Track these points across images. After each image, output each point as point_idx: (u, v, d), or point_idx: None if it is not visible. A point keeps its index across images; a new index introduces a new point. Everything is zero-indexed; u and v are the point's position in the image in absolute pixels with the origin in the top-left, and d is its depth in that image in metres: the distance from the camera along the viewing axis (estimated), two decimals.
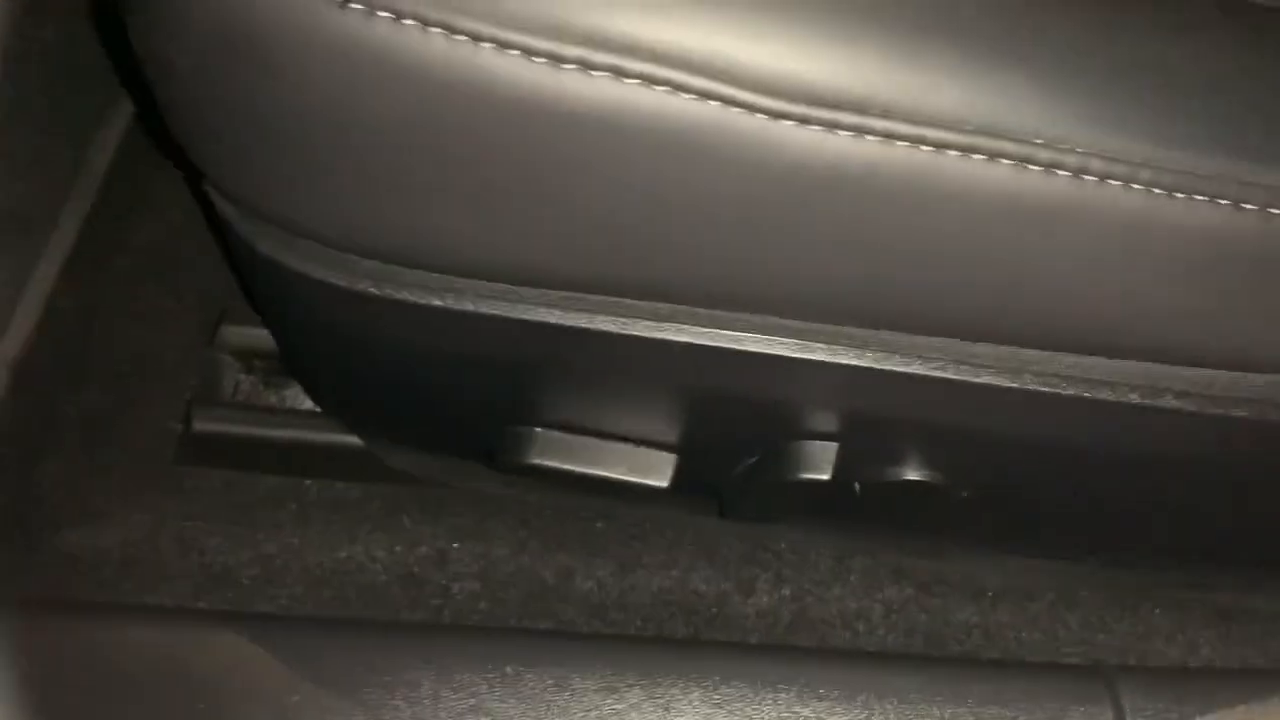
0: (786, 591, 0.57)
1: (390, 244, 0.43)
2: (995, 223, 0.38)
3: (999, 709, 0.47)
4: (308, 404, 0.66)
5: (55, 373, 0.69)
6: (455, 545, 0.59)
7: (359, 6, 0.35)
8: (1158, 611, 0.59)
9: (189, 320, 0.70)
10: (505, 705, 0.47)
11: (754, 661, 0.49)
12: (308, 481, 0.64)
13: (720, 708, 0.47)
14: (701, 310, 0.44)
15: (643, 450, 0.52)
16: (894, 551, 0.60)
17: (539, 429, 0.53)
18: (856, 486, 0.52)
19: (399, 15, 0.35)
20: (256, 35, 0.36)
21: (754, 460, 0.51)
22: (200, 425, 0.63)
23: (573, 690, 0.48)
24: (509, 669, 0.48)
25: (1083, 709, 0.46)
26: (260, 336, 0.66)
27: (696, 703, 0.47)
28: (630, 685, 0.48)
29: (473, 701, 0.47)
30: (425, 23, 0.35)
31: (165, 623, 0.52)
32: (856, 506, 0.53)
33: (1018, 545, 0.58)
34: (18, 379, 0.68)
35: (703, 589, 0.57)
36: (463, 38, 0.35)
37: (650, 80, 0.35)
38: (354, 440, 0.62)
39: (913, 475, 0.50)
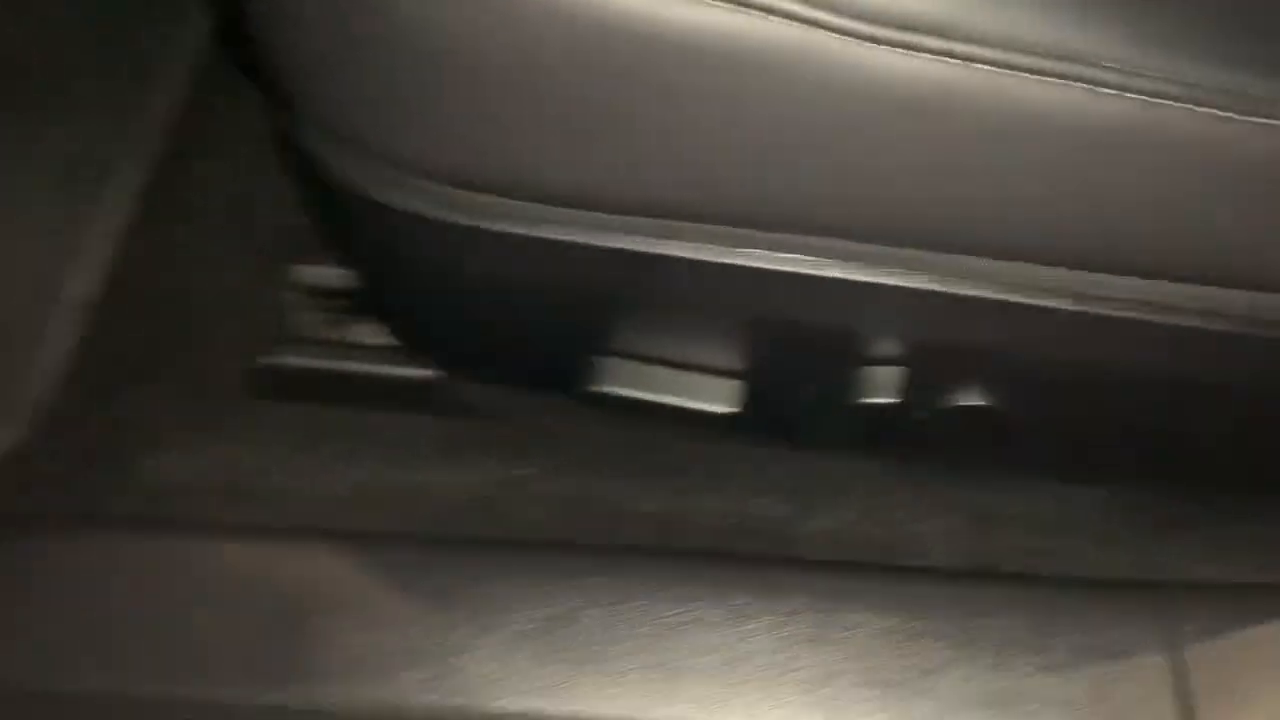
0: (847, 514, 0.59)
1: (486, 174, 0.45)
2: (1068, 144, 0.39)
3: (1053, 623, 0.49)
4: (380, 341, 0.68)
5: (131, 311, 0.71)
6: (530, 473, 0.61)
7: None
8: (1200, 543, 0.60)
9: (261, 259, 0.72)
10: (584, 617, 0.50)
11: (817, 576, 0.51)
12: (380, 414, 0.66)
13: (788, 619, 0.50)
14: (775, 235, 0.45)
15: (710, 377, 0.55)
16: (953, 478, 0.62)
17: (610, 357, 0.55)
18: (918, 413, 0.54)
19: None
20: None
21: (820, 386, 0.53)
22: (273, 359, 0.65)
23: (647, 603, 0.50)
24: (587, 580, 0.51)
25: (1134, 625, 0.48)
26: (331, 275, 0.68)
27: (765, 614, 0.50)
28: (700, 598, 0.50)
29: (550, 611, 0.50)
30: None
31: (250, 539, 0.54)
32: (918, 434, 0.55)
33: (1070, 472, 0.60)
34: (94, 317, 0.70)
35: (764, 512, 0.59)
36: None
37: (743, 4, 0.37)
38: (426, 374, 0.65)
39: (972, 400, 0.52)
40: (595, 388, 0.55)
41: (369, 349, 0.67)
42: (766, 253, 0.46)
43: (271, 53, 0.46)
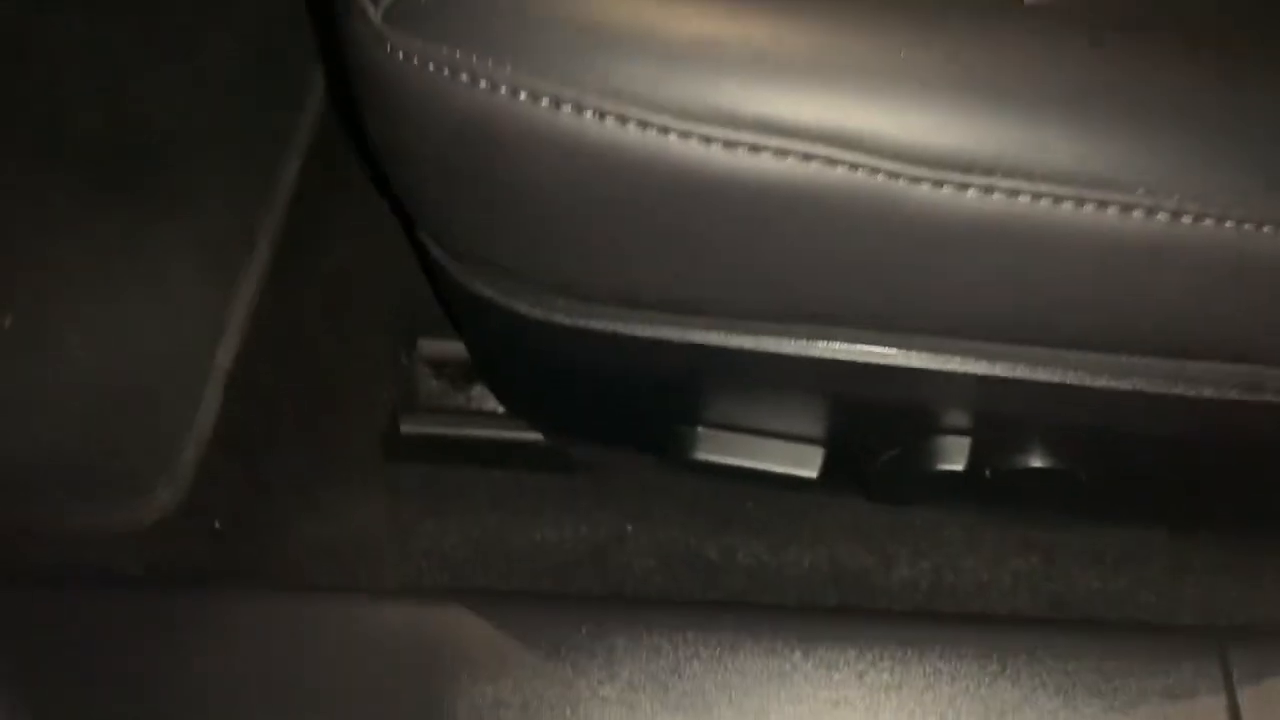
0: (925, 564, 0.64)
1: (584, 286, 0.52)
2: (1107, 259, 0.44)
3: (1117, 667, 0.54)
4: (492, 404, 0.76)
5: (267, 381, 0.78)
6: (631, 528, 0.67)
7: (569, 107, 0.43)
8: (1270, 576, 0.64)
9: (385, 332, 0.80)
10: (690, 668, 0.56)
11: (899, 627, 0.57)
12: (496, 472, 0.73)
13: (872, 667, 0.55)
14: (848, 330, 0.51)
15: (794, 445, 0.60)
16: (1020, 523, 0.67)
17: (702, 428, 0.61)
18: (987, 473, 0.59)
19: (601, 113, 0.43)
20: (488, 130, 0.44)
21: (894, 453, 0.59)
22: (407, 427, 0.73)
23: (744, 655, 0.56)
24: (689, 634, 0.57)
25: (1194, 668, 0.53)
26: (451, 348, 0.75)
27: (851, 664, 0.55)
28: (792, 649, 0.56)
29: (663, 664, 0.56)
30: (622, 118, 0.43)
31: (384, 601, 0.61)
32: (987, 489, 0.60)
33: (1134, 518, 0.64)
34: (233, 386, 0.78)
35: (848, 563, 0.65)
36: (653, 130, 0.43)
37: (808, 156, 0.43)
38: (536, 437, 0.72)
39: (1038, 463, 0.57)
40: (687, 455, 0.61)
41: (489, 416, 0.74)
42: (837, 344, 0.52)
43: (394, 181, 0.53)
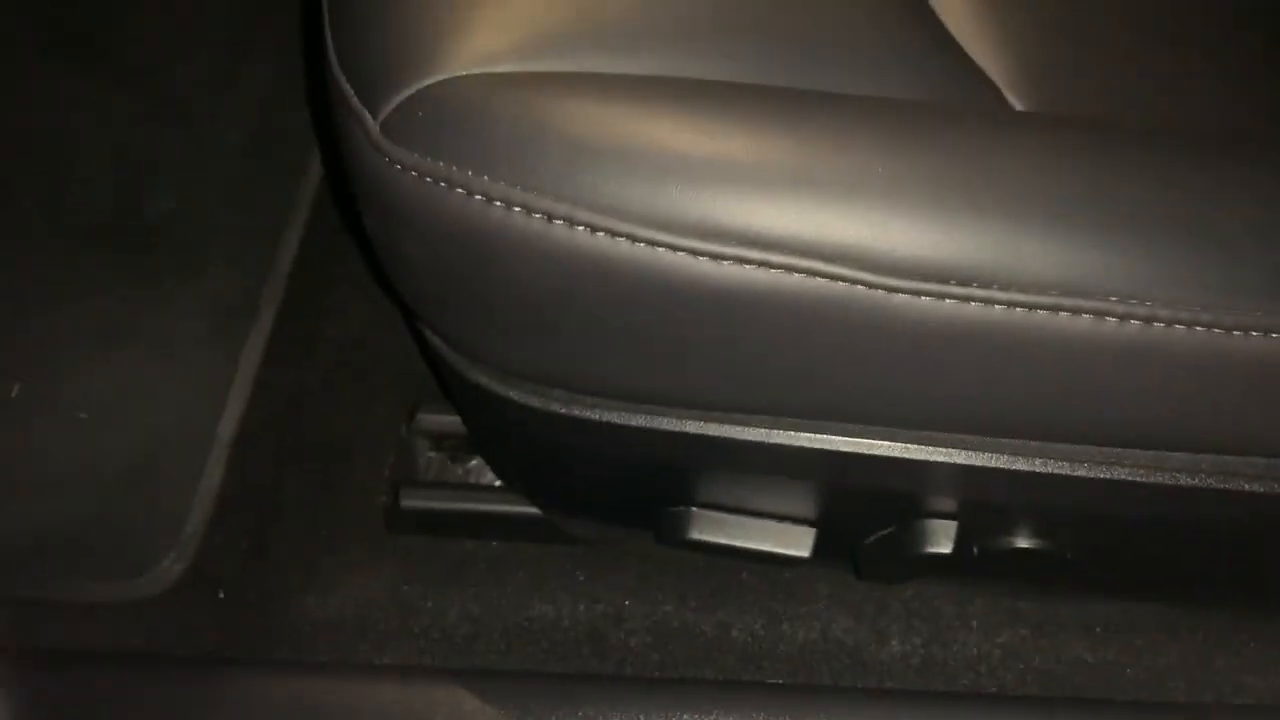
0: (916, 640, 0.65)
1: (577, 382, 0.53)
2: (1081, 363, 0.46)
3: None
4: (490, 476, 0.77)
5: (269, 451, 0.79)
6: (628, 603, 0.69)
7: (562, 221, 0.45)
8: (1253, 645, 0.65)
9: (385, 402, 0.81)
10: None
11: (890, 705, 0.58)
12: (494, 544, 0.75)
13: None
14: (836, 424, 0.53)
15: (785, 525, 0.62)
16: (1009, 596, 0.68)
17: (695, 508, 0.63)
18: (975, 551, 0.61)
19: (593, 228, 0.44)
20: (482, 240, 0.46)
21: (884, 534, 0.60)
22: (407, 501, 0.74)
23: None
24: (684, 714, 0.58)
25: None
26: (449, 422, 0.76)
27: None
28: None
29: None
30: (613, 233, 0.44)
31: (395, 682, 0.63)
32: (975, 567, 0.62)
33: (1121, 592, 0.66)
34: (236, 458, 0.79)
35: (842, 638, 0.66)
36: (642, 244, 0.44)
37: (791, 268, 0.44)
38: (534, 511, 0.73)
39: (1024, 544, 0.58)
40: (680, 535, 0.62)
41: (488, 490, 0.75)
42: (824, 436, 0.53)
43: (394, 280, 0.55)
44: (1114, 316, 0.44)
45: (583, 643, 0.67)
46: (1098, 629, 0.66)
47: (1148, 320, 0.44)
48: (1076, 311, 0.44)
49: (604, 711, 0.58)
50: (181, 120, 0.98)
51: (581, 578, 0.71)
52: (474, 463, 0.79)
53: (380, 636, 0.68)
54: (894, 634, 0.65)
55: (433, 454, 0.79)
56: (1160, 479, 0.52)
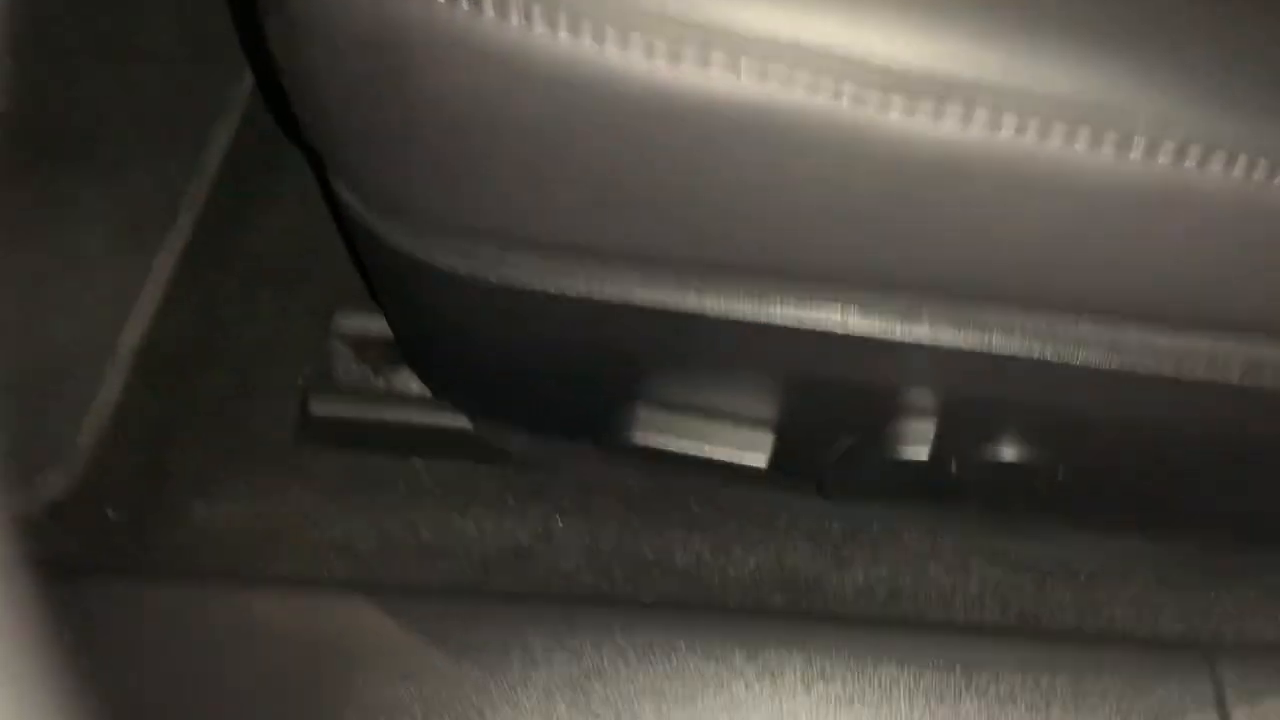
0: (883, 570, 0.58)
1: (512, 229, 0.46)
2: (1096, 205, 0.39)
3: (1097, 683, 0.48)
4: (418, 390, 0.69)
5: (176, 361, 0.73)
6: (560, 524, 0.61)
7: (492, 12, 0.37)
8: (1253, 594, 0.59)
9: (305, 311, 0.74)
10: (615, 671, 0.50)
11: (853, 633, 0.51)
12: (417, 462, 0.67)
13: (821, 677, 0.49)
14: (805, 287, 0.45)
15: (743, 430, 0.55)
16: (988, 534, 0.61)
17: (644, 408, 0.55)
18: (953, 466, 0.54)
19: (527, 16, 0.37)
20: (399, 39, 0.39)
21: (852, 441, 0.53)
22: (317, 409, 0.66)
23: (680, 658, 0.50)
24: (617, 636, 0.51)
25: (1182, 685, 0.47)
26: (373, 325, 0.69)
27: (798, 672, 0.49)
28: (731, 654, 0.50)
29: (584, 666, 0.50)
30: (553, 23, 0.37)
31: (282, 590, 0.55)
32: (952, 487, 0.55)
33: (1114, 525, 0.59)
34: (139, 366, 0.72)
35: (799, 566, 0.59)
36: (587, 38, 0.37)
37: (763, 71, 0.37)
38: (463, 423, 0.65)
39: (1011, 456, 0.51)
40: (626, 438, 0.55)
41: (411, 398, 0.68)
42: (794, 311, 0.46)
43: (302, 113, 0.47)
44: (1140, 147, 0.38)
45: (505, 561, 0.59)
46: (1084, 574, 0.59)
47: (1179, 155, 0.38)
48: (1097, 139, 0.38)
49: (521, 631, 0.50)
50: (111, 15, 0.91)
51: (511, 501, 0.63)
52: (401, 376, 0.71)
53: (274, 550, 0.60)
54: (857, 563, 0.58)
55: (356, 365, 0.71)
56: (1174, 371, 0.45)
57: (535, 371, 0.56)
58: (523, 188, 0.43)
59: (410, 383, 0.71)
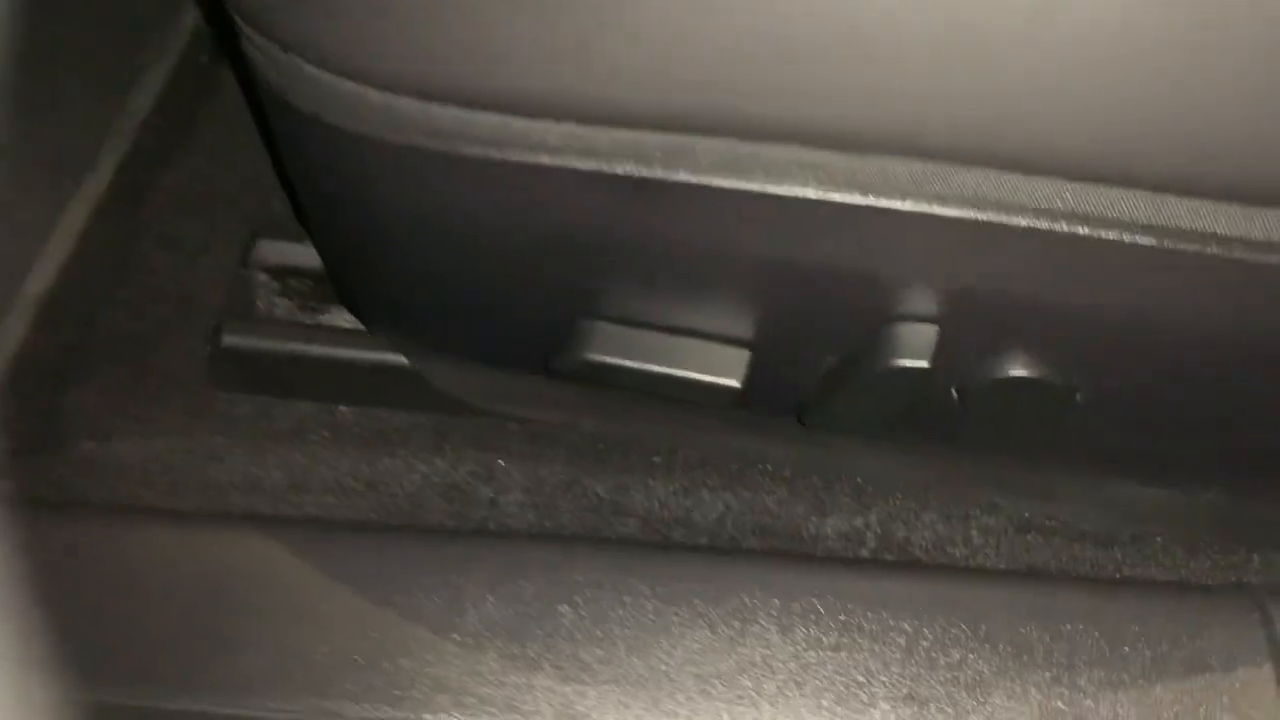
0: (871, 516, 0.51)
1: (444, 73, 0.39)
2: (1137, 13, 0.32)
3: (1127, 631, 0.40)
4: (349, 325, 0.62)
5: (84, 305, 0.67)
6: (502, 462, 0.53)
7: None
8: None
9: (227, 247, 0.67)
10: (557, 614, 0.42)
11: (840, 574, 0.43)
12: (344, 408, 0.59)
13: (803, 620, 0.41)
14: (789, 153, 0.39)
15: (715, 346, 0.47)
16: (989, 487, 0.54)
17: (601, 322, 0.48)
18: (955, 395, 0.47)
19: None
20: None
21: (839, 356, 0.46)
22: (230, 340, 0.58)
23: (635, 600, 0.42)
24: (561, 574, 0.43)
25: (1229, 630, 0.40)
26: (298, 252, 0.62)
27: (776, 614, 0.41)
28: (695, 595, 0.42)
29: (521, 608, 0.42)
30: None
31: (182, 526, 0.47)
32: (955, 422, 0.48)
33: (1133, 468, 0.51)
34: (44, 313, 0.65)
35: (775, 510, 0.51)
36: None
37: None
38: (398, 359, 0.58)
39: (1021, 370, 0.44)
40: (579, 358, 0.47)
41: (337, 331, 0.60)
42: (774, 182, 0.39)
43: None
44: None
45: (434, 499, 0.51)
46: (1099, 529, 0.52)
47: None
48: None
49: (446, 566, 0.42)
50: None
51: (453, 441, 0.55)
52: (332, 313, 0.63)
53: (167, 487, 0.53)
54: (842, 509, 0.51)
55: (281, 300, 0.64)
56: (1206, 248, 0.38)
57: (479, 278, 0.48)
58: (439, 8, 0.36)
59: (341, 319, 0.63)
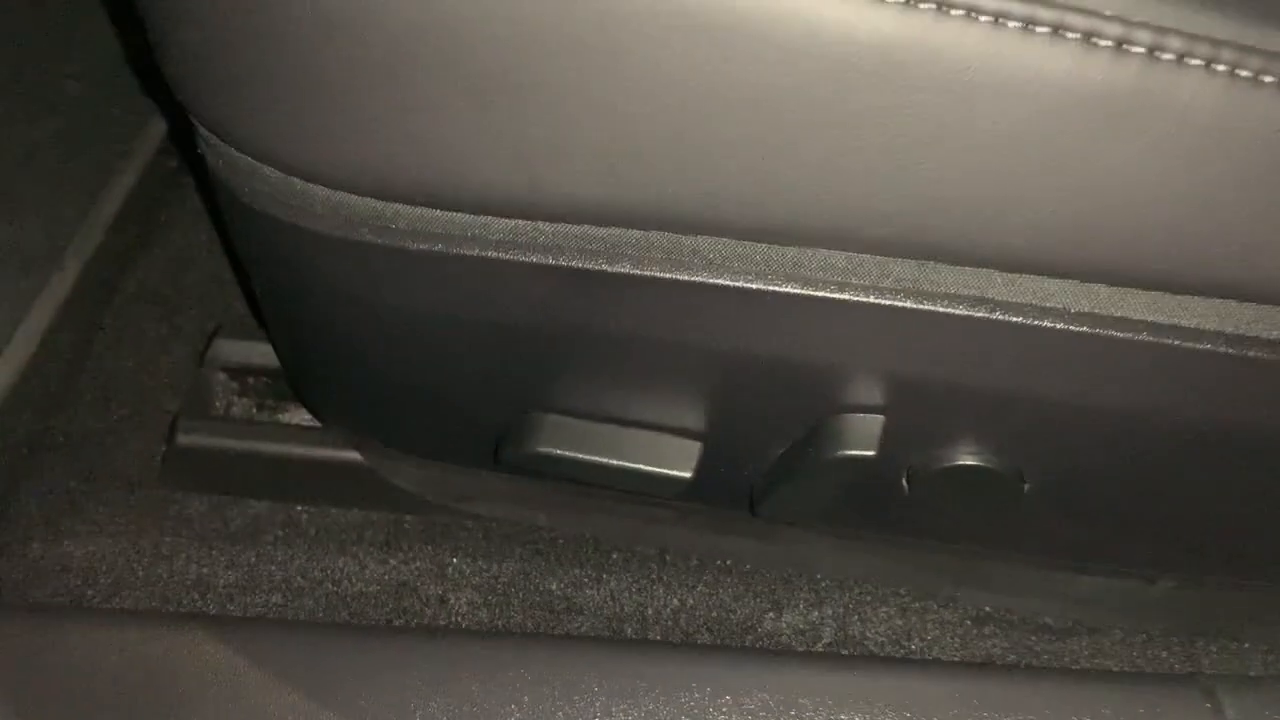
0: (827, 610, 0.50)
1: (392, 173, 0.39)
2: (1058, 110, 0.33)
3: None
4: (306, 423, 0.61)
5: (42, 404, 0.66)
6: (455, 559, 0.53)
7: None
8: (1247, 645, 0.51)
9: (186, 347, 0.67)
10: (504, 712, 0.41)
11: (793, 670, 0.42)
12: (300, 507, 0.58)
13: (752, 717, 0.41)
14: (729, 247, 0.39)
15: (665, 438, 0.47)
16: (946, 582, 0.54)
17: (551, 415, 0.48)
18: (905, 484, 0.47)
19: None
20: None
21: (787, 446, 0.46)
22: (184, 440, 0.58)
23: (584, 697, 0.41)
24: (510, 672, 0.42)
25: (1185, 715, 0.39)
26: (256, 351, 0.62)
27: (725, 711, 0.41)
28: (646, 692, 0.41)
29: (467, 707, 0.41)
30: None
31: (125, 625, 0.46)
32: (907, 511, 0.48)
33: (1086, 559, 0.51)
34: (10, 406, 0.65)
35: (730, 605, 0.51)
36: None
37: None
38: (353, 456, 0.57)
39: (968, 459, 0.44)
40: (531, 448, 0.47)
41: (292, 428, 0.60)
42: (718, 277, 0.40)
43: (166, 60, 0.42)
44: (1109, 42, 0.33)
45: (382, 597, 0.50)
46: (1053, 626, 0.52)
47: (1152, 52, 0.33)
48: (1059, 31, 0.33)
49: (389, 664, 0.41)
50: (18, 55, 0.87)
51: (403, 544, 0.55)
52: (289, 411, 0.63)
53: (114, 587, 0.52)
54: (798, 604, 0.50)
55: (237, 398, 0.64)
56: (1148, 337, 0.39)
57: (430, 373, 0.49)
58: (394, 114, 0.37)
59: (299, 417, 0.63)
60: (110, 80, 0.88)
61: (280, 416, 0.63)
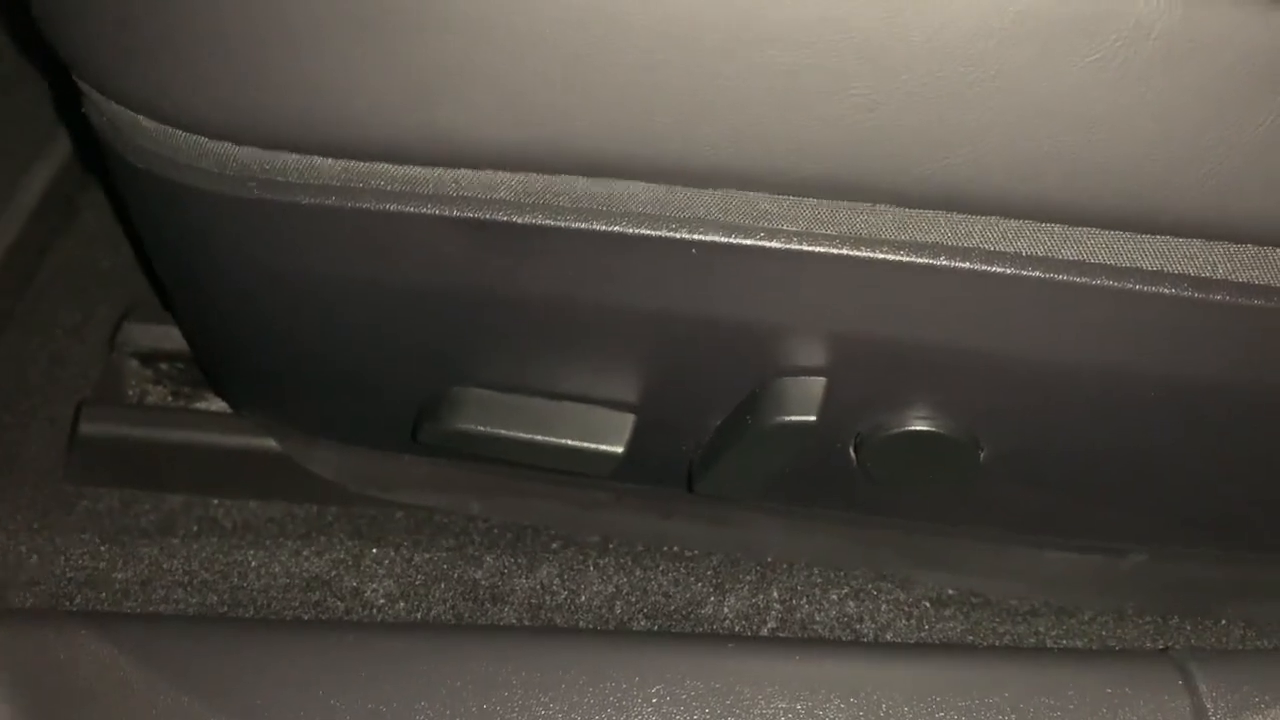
0: (774, 594, 0.47)
1: (273, 116, 0.36)
2: (999, 29, 0.30)
3: (1049, 703, 0.37)
4: (221, 410, 0.58)
5: None
6: (373, 550, 0.49)
7: None
8: (1224, 621, 0.48)
9: (100, 333, 0.63)
10: (415, 706, 0.37)
11: (733, 654, 0.39)
12: (218, 501, 0.55)
13: (685, 707, 0.37)
14: (648, 190, 0.36)
15: (595, 410, 0.44)
16: (902, 563, 0.50)
17: (472, 389, 0.45)
18: (852, 453, 0.44)
19: None
20: None
21: (724, 415, 0.43)
22: (88, 428, 0.54)
23: (505, 688, 0.38)
24: (425, 665, 0.38)
25: (1155, 697, 0.36)
26: (168, 335, 0.58)
27: (653, 701, 0.37)
28: (577, 681, 0.38)
29: (377, 701, 0.37)
30: None
31: (14, 625, 0.42)
32: (853, 485, 0.44)
33: (1050, 532, 0.48)
34: None
35: (669, 590, 0.47)
36: None
37: None
38: (269, 444, 0.53)
39: (919, 424, 0.41)
40: (452, 425, 0.44)
41: (201, 416, 0.56)
42: (651, 229, 0.36)
43: (47, 19, 0.38)
44: None
45: (291, 591, 0.46)
46: (1020, 609, 0.48)
47: None
48: None
49: (293, 659, 0.38)
50: None
51: (325, 537, 0.51)
52: (205, 403, 0.59)
53: (7, 582, 0.48)
54: (742, 588, 0.47)
55: (151, 386, 0.60)
56: (1104, 280, 0.36)
57: (334, 345, 0.45)
58: (262, 47, 0.33)
59: (217, 404, 0.59)
60: (27, 70, 0.84)
61: (198, 404, 0.59)
